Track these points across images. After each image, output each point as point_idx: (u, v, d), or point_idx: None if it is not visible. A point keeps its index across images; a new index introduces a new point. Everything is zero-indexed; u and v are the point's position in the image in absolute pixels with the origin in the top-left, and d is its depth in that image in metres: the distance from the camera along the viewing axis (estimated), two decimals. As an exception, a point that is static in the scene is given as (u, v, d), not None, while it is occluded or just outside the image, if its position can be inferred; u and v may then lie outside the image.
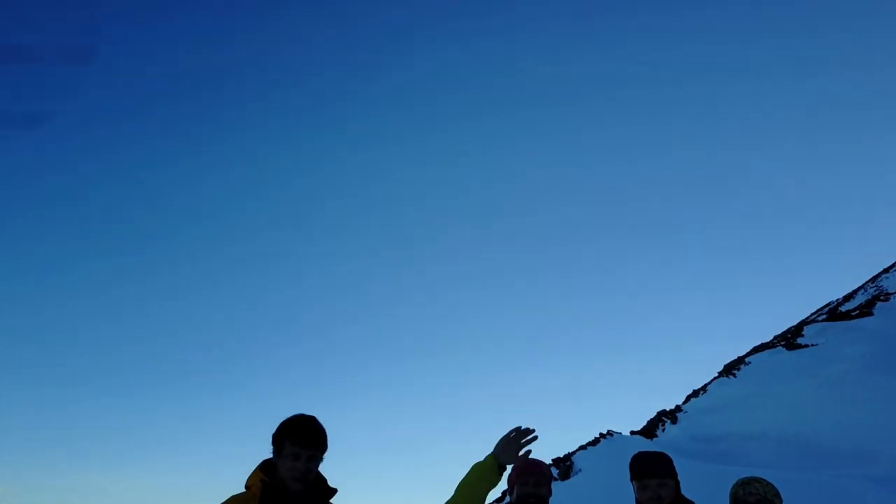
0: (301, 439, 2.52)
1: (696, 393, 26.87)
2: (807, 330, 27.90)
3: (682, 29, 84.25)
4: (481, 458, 2.91)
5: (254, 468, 2.65)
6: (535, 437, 2.88)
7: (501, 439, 2.88)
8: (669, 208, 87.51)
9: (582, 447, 28.03)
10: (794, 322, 33.51)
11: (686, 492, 3.28)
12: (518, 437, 2.87)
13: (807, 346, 24.24)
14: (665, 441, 21.00)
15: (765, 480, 3.16)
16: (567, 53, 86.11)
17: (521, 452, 2.89)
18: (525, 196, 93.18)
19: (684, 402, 26.40)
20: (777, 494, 3.11)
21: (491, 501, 3.32)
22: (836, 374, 17.78)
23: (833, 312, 29.81)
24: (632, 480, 3.15)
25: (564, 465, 25.66)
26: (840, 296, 34.22)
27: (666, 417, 24.54)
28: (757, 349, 29.30)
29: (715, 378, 27.03)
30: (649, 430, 23.82)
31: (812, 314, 34.19)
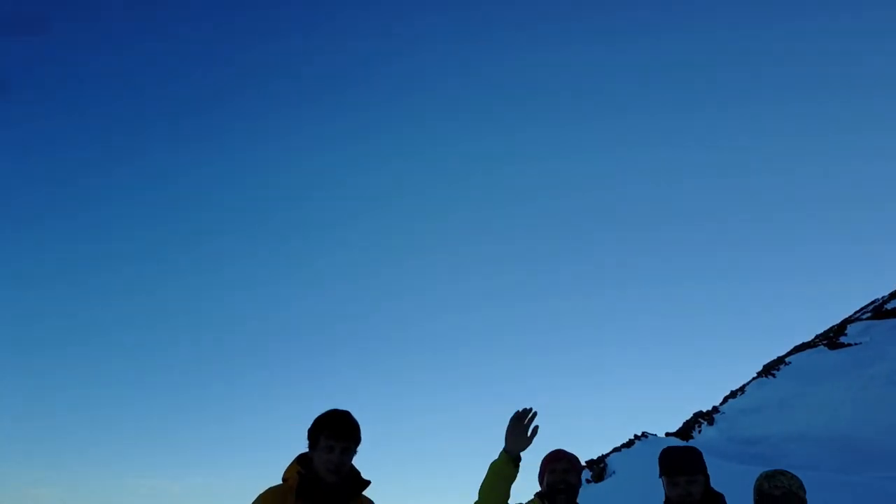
0: (335, 432, 2.61)
1: (733, 394, 26.34)
2: (850, 328, 27.11)
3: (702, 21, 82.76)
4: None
5: (290, 462, 2.73)
6: (535, 413, 2.89)
7: (506, 431, 2.90)
8: (707, 203, 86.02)
9: (616, 449, 27.67)
10: (838, 320, 32.57)
11: (724, 495, 3.18)
12: (520, 421, 2.89)
13: (850, 344, 23.55)
14: (701, 442, 20.61)
15: (790, 473, 3.05)
16: (567, 48, 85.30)
17: (528, 433, 2.89)
18: (554, 190, 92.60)
19: (721, 403, 25.90)
20: (801, 487, 3.01)
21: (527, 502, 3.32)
22: (881, 374, 17.21)
23: (878, 310, 28.88)
24: (661, 476, 3.10)
25: (598, 466, 25.34)
26: (886, 293, 33.14)
27: (702, 419, 24.09)
28: (798, 349, 28.60)
29: (754, 378, 26.48)
30: (685, 432, 23.41)
31: (856, 312, 33.21)
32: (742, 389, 26.04)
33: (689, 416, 26.25)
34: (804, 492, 3.01)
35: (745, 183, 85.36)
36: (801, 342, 30.49)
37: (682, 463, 2.99)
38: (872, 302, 33.32)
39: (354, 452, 2.69)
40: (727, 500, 3.18)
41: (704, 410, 25.82)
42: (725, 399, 26.59)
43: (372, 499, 2.85)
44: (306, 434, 2.70)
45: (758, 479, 3.11)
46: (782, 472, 3.05)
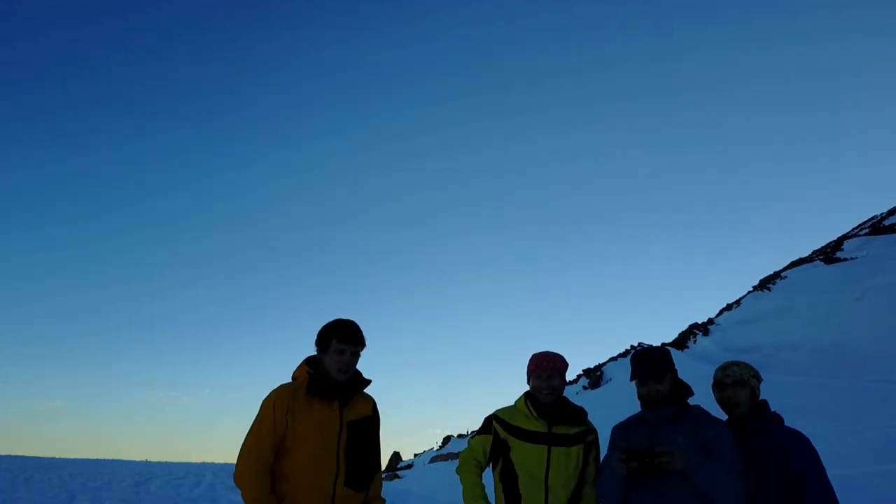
0: (346, 337, 2.96)
1: (729, 307, 26.78)
2: (847, 244, 27.29)
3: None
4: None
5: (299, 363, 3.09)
6: None
7: None
8: (709, 122, 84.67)
9: (612, 358, 28.48)
10: (835, 236, 32.74)
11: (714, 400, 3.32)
12: None
13: (846, 259, 23.77)
14: (696, 352, 21.16)
15: (744, 364, 3.23)
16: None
17: None
18: (549, 104, 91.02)
19: (717, 316, 26.39)
20: (755, 376, 3.20)
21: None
22: (876, 286, 17.46)
23: (876, 226, 28.98)
24: (631, 380, 3.25)
25: (595, 375, 26.15)
26: (885, 209, 33.15)
27: (698, 330, 24.62)
28: (794, 264, 28.87)
29: (749, 292, 26.86)
30: (680, 342, 23.97)
31: (854, 228, 33.33)
32: (738, 302, 26.45)
33: (684, 327, 26.80)
34: (758, 380, 3.20)
35: (744, 101, 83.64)
36: (797, 258, 30.79)
37: (650, 368, 3.14)
38: (871, 218, 33.37)
39: (359, 356, 3.04)
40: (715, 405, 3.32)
41: (700, 322, 26.32)
42: (721, 311, 27.06)
43: (372, 396, 3.22)
44: (315, 338, 3.03)
45: (714, 371, 3.29)
46: (736, 363, 3.22)
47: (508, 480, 3.32)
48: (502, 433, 3.38)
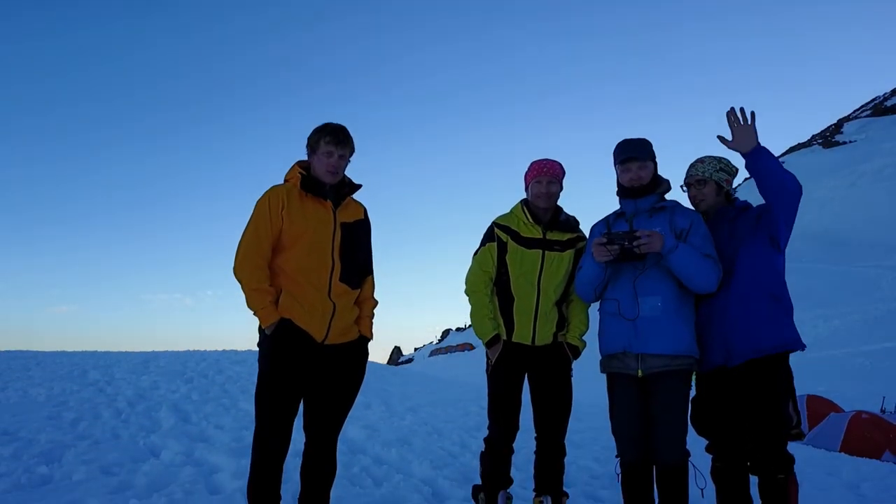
0: (334, 139, 3.00)
1: (725, 195, 26.88)
2: (847, 126, 27.07)
3: None
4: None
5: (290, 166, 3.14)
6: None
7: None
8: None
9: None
10: (836, 118, 32.34)
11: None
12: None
13: (845, 143, 23.63)
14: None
15: (711, 159, 3.31)
16: None
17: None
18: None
19: (713, 204, 26.53)
20: (723, 169, 3.29)
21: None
22: (871, 171, 17.50)
23: (878, 107, 28.56)
24: (615, 165, 3.32)
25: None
26: (888, 89, 32.47)
27: (693, 219, 24.85)
28: (792, 149, 28.71)
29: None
30: (676, 232, 24.26)
31: (855, 110, 32.86)
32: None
33: (680, 217, 27.02)
34: (727, 174, 3.29)
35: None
36: (796, 143, 30.58)
37: (634, 150, 3.24)
38: (874, 99, 32.77)
39: (348, 161, 3.08)
40: None
41: (696, 211, 26.55)
42: (717, 200, 27.22)
43: (362, 203, 3.28)
44: (306, 142, 3.06)
45: None
46: (702, 160, 3.33)
47: (502, 282, 3.52)
48: (503, 236, 3.53)
